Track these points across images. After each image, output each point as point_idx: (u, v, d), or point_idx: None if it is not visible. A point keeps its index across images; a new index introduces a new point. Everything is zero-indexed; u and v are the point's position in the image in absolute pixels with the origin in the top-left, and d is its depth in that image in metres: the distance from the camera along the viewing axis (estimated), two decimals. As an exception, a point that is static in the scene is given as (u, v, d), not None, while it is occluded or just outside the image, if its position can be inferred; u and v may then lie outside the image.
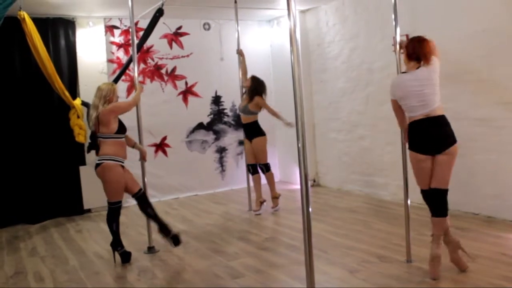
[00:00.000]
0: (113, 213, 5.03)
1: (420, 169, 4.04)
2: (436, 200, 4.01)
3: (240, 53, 6.98)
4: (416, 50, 4.01)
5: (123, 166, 5.06)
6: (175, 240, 5.15)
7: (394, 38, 4.39)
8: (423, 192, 4.14)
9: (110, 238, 6.04)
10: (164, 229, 5.15)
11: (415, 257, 4.41)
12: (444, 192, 4.00)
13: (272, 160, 6.92)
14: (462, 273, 3.99)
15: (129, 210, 7.45)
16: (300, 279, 4.08)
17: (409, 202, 4.43)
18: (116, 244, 5.07)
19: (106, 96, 4.97)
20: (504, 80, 5.32)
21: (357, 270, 4.31)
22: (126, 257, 5.07)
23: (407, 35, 6.17)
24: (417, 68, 4.03)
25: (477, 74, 5.50)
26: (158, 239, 5.31)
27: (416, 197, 6.01)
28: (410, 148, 4.11)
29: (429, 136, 3.96)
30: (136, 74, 5.47)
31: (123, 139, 5.12)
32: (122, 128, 5.07)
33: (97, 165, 4.98)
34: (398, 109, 4.20)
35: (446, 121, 3.99)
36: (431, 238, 4.01)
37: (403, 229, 4.46)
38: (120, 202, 5.07)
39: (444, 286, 3.82)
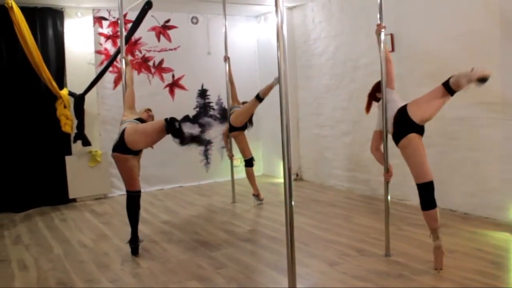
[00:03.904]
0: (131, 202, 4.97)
1: None
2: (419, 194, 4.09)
3: (226, 59, 7.03)
4: (370, 101, 4.65)
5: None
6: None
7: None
8: None
9: (94, 227, 6.11)
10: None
11: (394, 251, 4.52)
12: (420, 186, 4.03)
13: (256, 154, 6.98)
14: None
15: (113, 200, 7.51)
16: (282, 270, 4.17)
17: (389, 197, 4.53)
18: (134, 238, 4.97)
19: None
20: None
21: (337, 263, 4.40)
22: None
23: (391, 35, 6.29)
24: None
25: (458, 75, 5.63)
26: (141, 229, 5.35)
27: (396, 193, 6.16)
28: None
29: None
30: (123, 66, 5.50)
31: None
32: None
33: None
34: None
35: (402, 112, 4.15)
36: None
37: (383, 223, 4.58)
38: (139, 191, 5.00)
39: (421, 279, 3.93)
